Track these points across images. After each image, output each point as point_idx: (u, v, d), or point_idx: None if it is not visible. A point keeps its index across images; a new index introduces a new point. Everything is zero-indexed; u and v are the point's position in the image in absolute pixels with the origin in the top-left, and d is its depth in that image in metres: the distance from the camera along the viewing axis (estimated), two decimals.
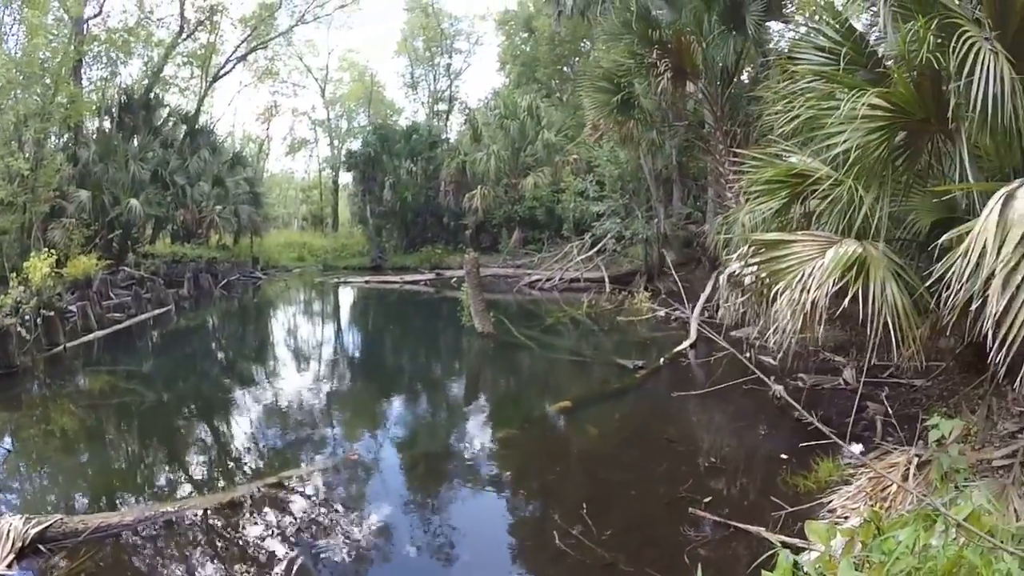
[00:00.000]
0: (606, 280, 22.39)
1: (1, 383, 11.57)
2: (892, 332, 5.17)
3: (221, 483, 7.27)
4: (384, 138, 37.40)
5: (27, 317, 13.44)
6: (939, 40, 5.19)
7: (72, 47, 24.24)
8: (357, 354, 16.87)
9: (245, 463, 8.11)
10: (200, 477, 7.60)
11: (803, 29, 8.65)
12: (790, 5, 14.43)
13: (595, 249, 24.31)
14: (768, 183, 7.19)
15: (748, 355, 10.20)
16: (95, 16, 27.81)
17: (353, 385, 13.27)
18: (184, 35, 32.06)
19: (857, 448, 6.53)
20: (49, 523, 5.45)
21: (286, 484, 6.84)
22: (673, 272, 18.65)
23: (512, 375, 13.16)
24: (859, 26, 7.34)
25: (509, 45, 41.27)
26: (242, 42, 35.06)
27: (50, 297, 14.65)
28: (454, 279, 25.70)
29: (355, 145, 42.83)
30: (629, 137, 16.43)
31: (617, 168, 23.29)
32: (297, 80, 44.71)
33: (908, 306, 5.27)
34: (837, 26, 6.81)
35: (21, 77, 21.25)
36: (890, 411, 7.40)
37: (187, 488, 7.18)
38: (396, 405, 11.28)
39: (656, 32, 14.26)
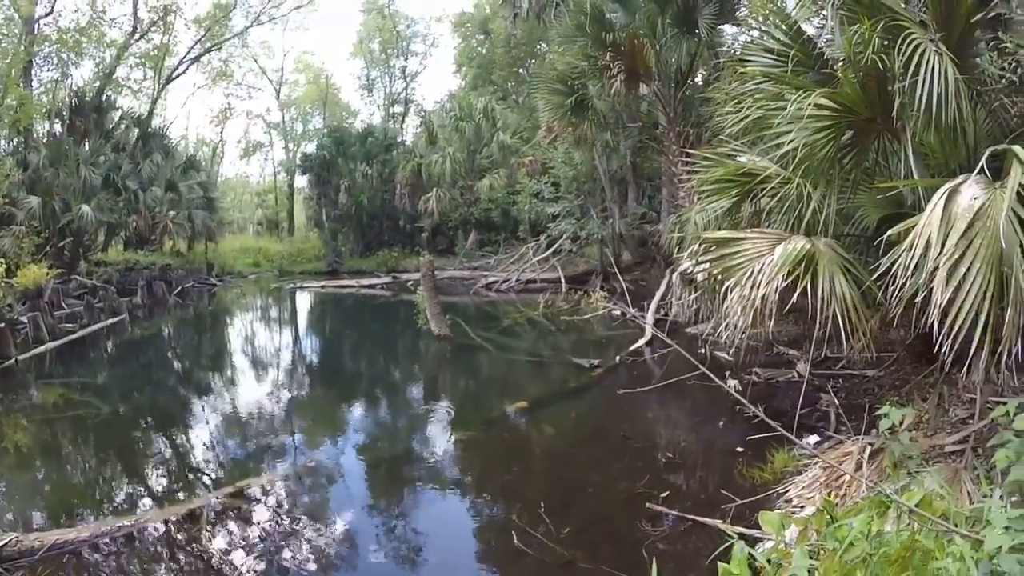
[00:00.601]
0: (562, 280, 22.46)
1: None
2: (842, 325, 5.29)
3: (180, 495, 7.16)
4: (339, 141, 37.18)
5: None
6: (885, 42, 5.34)
7: (22, 47, 23.68)
8: (315, 360, 16.72)
9: (204, 473, 7.99)
10: (159, 489, 7.45)
11: (755, 32, 8.81)
12: (742, 8, 14.67)
13: (551, 250, 24.40)
14: (719, 182, 7.34)
15: (703, 351, 10.38)
16: (46, 15, 27.11)
17: (311, 391, 13.15)
18: (137, 36, 31.35)
19: (812, 439, 6.67)
20: (4, 542, 5.32)
21: (246, 493, 6.76)
22: (628, 271, 18.81)
23: (470, 377, 13.17)
24: (809, 30, 7.52)
25: (465, 47, 41.31)
26: (196, 43, 34.40)
27: (1, 308, 14.25)
28: (410, 282, 25.56)
29: (310, 148, 42.62)
30: (583, 138, 16.60)
31: (572, 169, 23.42)
32: (252, 82, 44.26)
33: (857, 299, 5.41)
34: (786, 29, 6.97)
35: None
36: (842, 402, 7.58)
37: (146, 501, 7.04)
38: (355, 410, 11.25)
39: (610, 35, 14.43)
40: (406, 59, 46.52)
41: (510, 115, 30.81)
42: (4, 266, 15.32)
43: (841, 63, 5.99)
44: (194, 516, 6.21)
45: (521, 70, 35.86)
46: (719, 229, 7.24)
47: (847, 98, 5.50)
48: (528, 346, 15.10)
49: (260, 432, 9.67)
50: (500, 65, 36.34)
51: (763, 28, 7.84)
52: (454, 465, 7.92)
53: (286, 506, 6.67)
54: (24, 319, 16.08)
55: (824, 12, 6.77)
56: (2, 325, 13.87)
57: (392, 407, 11.43)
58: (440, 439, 9.02)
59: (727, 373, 9.10)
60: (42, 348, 15.07)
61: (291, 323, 23.66)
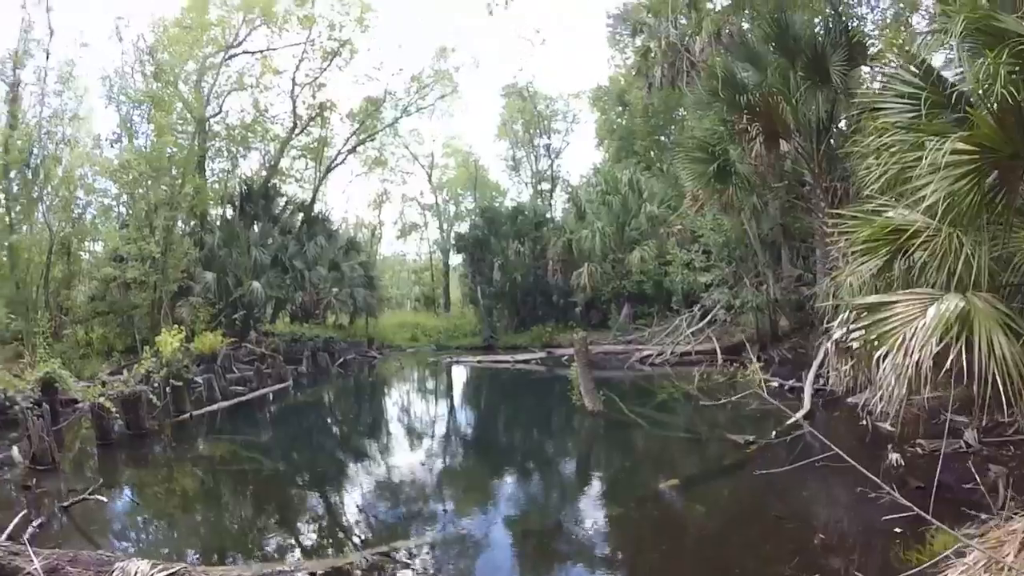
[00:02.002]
0: (718, 352, 21.76)
1: (132, 443, 12.97)
2: (1002, 387, 4.79)
3: (330, 551, 7.43)
4: (491, 220, 38.37)
5: (157, 385, 14.83)
6: (1014, 72, 4.93)
7: (196, 144, 26.49)
8: (468, 431, 16.95)
9: (354, 533, 8.26)
10: (310, 543, 7.83)
11: (886, 74, 8.40)
12: (873, 47, 14.07)
13: (705, 320, 23.82)
14: (867, 242, 6.93)
15: (864, 422, 9.68)
16: (215, 115, 30.25)
17: (464, 461, 13.34)
18: (297, 130, 34.65)
19: (976, 518, 6.00)
20: (174, 569, 5.72)
21: (394, 555, 6.85)
22: (786, 339, 17.96)
23: (622, 453, 12.79)
24: (938, 62, 7.08)
25: (604, 120, 41.82)
26: (352, 135, 37.33)
27: (179, 369, 15.93)
28: (565, 357, 25.50)
29: (463, 228, 44.37)
30: (730, 204, 16.22)
31: (721, 236, 22.92)
32: (405, 168, 46.62)
33: (1020, 357, 4.89)
34: (915, 70, 6.59)
35: (151, 171, 23.32)
36: (1014, 473, 6.81)
37: (297, 552, 7.40)
38: (506, 482, 11.18)
39: (743, 97, 14.19)
40: (549, 137, 47.64)
41: (655, 184, 30.58)
42: (184, 333, 16.71)
43: (973, 100, 5.60)
44: (341, 572, 6.37)
45: (662, 137, 35.77)
46: (871, 291, 6.85)
47: (985, 137, 5.09)
48: (682, 422, 14.63)
49: (411, 497, 9.85)
50: (641, 135, 36.45)
51: (891, 73, 7.44)
52: (603, 542, 7.72)
53: (431, 571, 6.71)
54: (199, 380, 17.76)
55: (951, 44, 6.37)
56: (181, 384, 15.57)
57: (543, 481, 11.28)
58: (590, 515, 8.82)
59: (889, 446, 8.42)
60: (214, 407, 16.55)
61: (446, 395, 24.18)
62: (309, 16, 32.17)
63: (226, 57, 30.30)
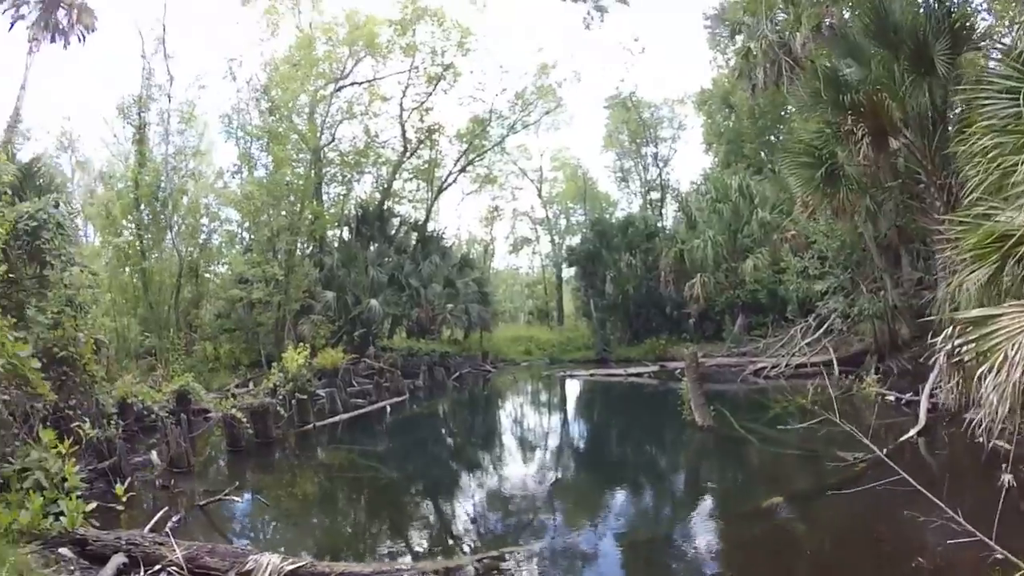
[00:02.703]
0: (834, 363, 20.83)
1: (259, 451, 14.04)
2: None
3: (440, 555, 7.79)
4: (601, 233, 38.42)
5: (283, 398, 15.90)
6: None
7: (312, 172, 28.08)
8: (579, 444, 17.16)
9: (464, 539, 8.68)
10: (421, 546, 8.28)
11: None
12: (978, 29, 13.23)
13: (821, 330, 22.97)
14: (974, 248, 6.67)
15: (982, 439, 9.21)
16: (329, 144, 31.84)
17: (574, 473, 13.62)
18: (408, 154, 35.92)
19: None
20: (301, 564, 6.33)
21: (504, 561, 7.13)
22: (906, 347, 17.15)
23: (728, 469, 12.75)
24: None
25: (711, 124, 40.98)
26: (461, 156, 38.24)
27: (303, 383, 16.91)
28: (678, 370, 25.20)
29: (574, 241, 44.53)
30: (842, 208, 15.69)
31: (836, 241, 22.09)
32: (514, 183, 47.18)
33: None
34: (1015, 63, 6.32)
35: (272, 199, 25.00)
36: None
37: (410, 553, 7.88)
38: (615, 495, 11.26)
39: (846, 96, 13.63)
40: (656, 146, 46.82)
41: (767, 188, 29.59)
42: (307, 350, 17.80)
43: None
44: (452, 575, 6.79)
45: (771, 138, 34.80)
46: (981, 302, 6.59)
47: None
48: (793, 437, 14.24)
49: (521, 507, 10.21)
50: (749, 137, 35.60)
51: (989, 70, 7.14)
52: (708, 557, 7.72)
53: None
54: (322, 393, 18.83)
55: None
56: (305, 397, 16.65)
57: (651, 495, 11.40)
58: (695, 530, 8.82)
59: (1003, 466, 8.00)
60: (335, 418, 17.58)
61: (558, 408, 24.49)
62: (411, 45, 33.40)
63: (335, 89, 31.90)
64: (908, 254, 21.15)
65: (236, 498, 9.73)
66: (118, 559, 6.38)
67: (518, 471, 12.95)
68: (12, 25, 30.60)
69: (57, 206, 12.16)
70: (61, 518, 6.78)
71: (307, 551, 7.57)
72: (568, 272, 45.30)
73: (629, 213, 43.87)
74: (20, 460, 7.54)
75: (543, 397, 27.71)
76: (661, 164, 46.89)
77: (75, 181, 38.85)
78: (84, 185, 38.47)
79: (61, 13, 31.27)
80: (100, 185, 33.94)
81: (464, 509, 10.28)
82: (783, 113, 31.11)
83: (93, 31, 32.40)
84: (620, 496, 11.19)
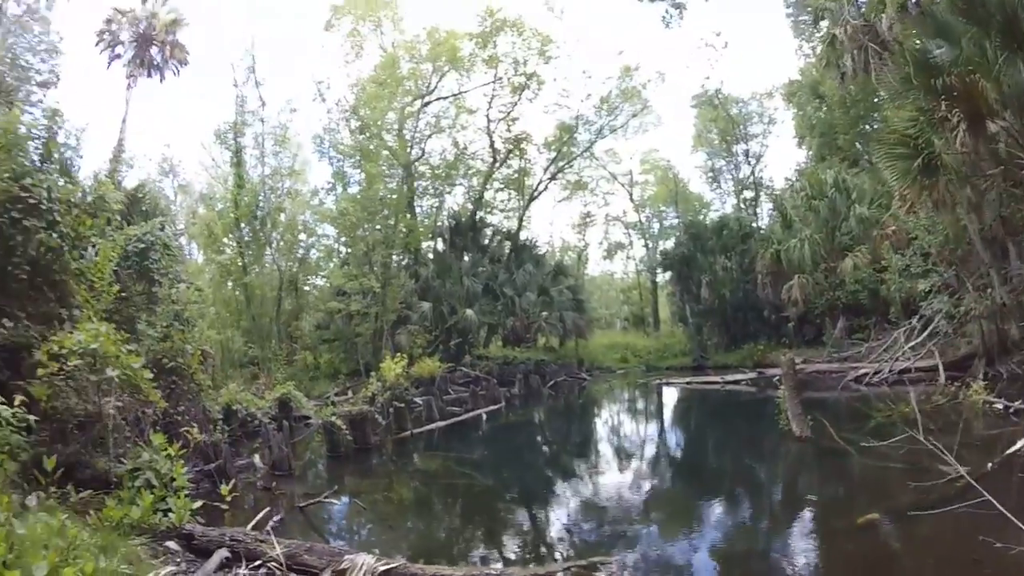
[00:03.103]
0: (940, 368, 19.52)
1: (358, 456, 14.59)
2: None
3: (532, 562, 7.95)
4: (695, 236, 37.82)
5: (381, 406, 16.57)
6: None
7: (405, 186, 29.02)
8: (674, 454, 16.95)
9: (557, 547, 8.74)
10: (514, 553, 8.45)
11: None
12: None
13: (926, 332, 21.65)
14: None
15: None
16: (419, 158, 32.91)
17: (667, 484, 13.45)
18: (497, 164, 36.46)
19: None
20: (395, 565, 6.53)
21: (599, 568, 7.08)
22: (1017, 349, 16.03)
23: (824, 483, 12.18)
24: None
25: (802, 117, 39.20)
26: (550, 163, 38.48)
27: (401, 392, 17.58)
28: (776, 378, 24.44)
29: (668, 245, 43.98)
30: (942, 200, 14.95)
31: (938, 236, 20.84)
32: (605, 188, 46.98)
33: None
34: None
35: (366, 214, 25.96)
36: None
37: (502, 559, 8.07)
38: (708, 507, 11.02)
39: (938, 80, 12.94)
40: (746, 142, 45.37)
41: (864, 181, 28.02)
42: (404, 359, 18.39)
43: None
44: None
45: (866, 127, 32.88)
46: None
47: None
48: (893, 449, 13.59)
49: (615, 517, 10.20)
50: (842, 128, 33.86)
51: None
52: (804, 574, 7.51)
53: None
54: (419, 401, 19.52)
55: None
56: (402, 405, 17.35)
57: (746, 507, 11.12)
58: (790, 545, 8.61)
59: None
60: (432, 426, 18.20)
61: (653, 417, 24.24)
62: (493, 57, 34.01)
63: (422, 105, 33.01)
64: (1016, 246, 19.59)
65: (334, 500, 10.20)
66: (221, 553, 6.78)
67: (612, 480, 12.90)
68: (110, 64, 34.12)
69: (163, 228, 13.11)
70: (169, 514, 7.31)
71: (401, 553, 7.76)
72: (663, 277, 44.68)
73: (723, 214, 42.95)
74: (132, 461, 8.16)
75: (638, 405, 27.44)
76: (753, 161, 45.46)
77: (178, 203, 41.46)
78: (186, 207, 40.97)
79: (154, 50, 34.27)
80: (201, 206, 36.25)
81: (557, 517, 10.31)
82: (876, 100, 29.45)
83: (186, 64, 35.30)
84: (715, 507, 10.95)
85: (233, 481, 10.04)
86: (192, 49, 35.12)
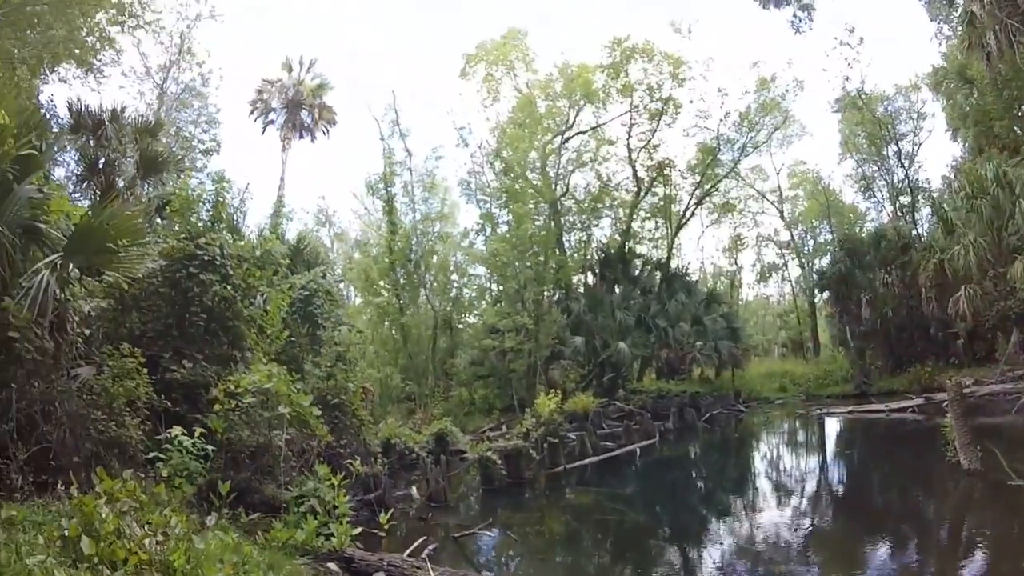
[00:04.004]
0: None
1: (510, 490, 14.91)
2: None
3: None
4: (851, 251, 35.56)
5: (535, 441, 16.74)
6: None
7: (552, 223, 29.57)
8: (831, 491, 16.11)
9: None
10: None
11: None
12: None
13: None
14: None
15: None
16: (564, 194, 33.58)
17: (829, 522, 12.80)
18: (642, 193, 36.39)
19: None
20: None
21: None
22: None
23: (994, 521, 11.04)
24: None
25: (952, 106, 35.73)
26: (695, 187, 37.95)
27: (555, 427, 17.71)
28: (944, 403, 22.51)
29: (823, 262, 41.87)
30: None
31: None
32: (754, 208, 45.65)
33: None
34: None
35: (516, 253, 26.69)
36: None
37: None
38: (872, 547, 10.35)
39: None
40: (897, 143, 41.61)
41: None
42: (558, 395, 18.73)
43: None
44: None
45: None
46: None
47: None
48: None
49: (771, 558, 9.86)
50: (997, 114, 30.37)
51: None
52: None
53: None
54: (572, 436, 19.62)
55: None
56: (556, 440, 17.50)
57: (912, 548, 10.40)
58: None
59: None
60: (585, 461, 18.24)
61: (812, 451, 23.12)
62: (627, 85, 34.09)
63: (563, 141, 33.65)
64: None
65: (488, 532, 10.58)
66: None
67: (769, 518, 12.47)
68: (264, 129, 37.91)
69: (324, 276, 14.19)
70: (331, 539, 7.90)
71: None
72: (821, 297, 42.25)
73: (879, 224, 40.24)
74: (297, 488, 8.88)
75: (798, 438, 26.15)
76: (906, 163, 41.68)
77: (334, 250, 44.22)
78: (343, 253, 43.93)
79: (304, 114, 37.47)
80: (357, 252, 38.78)
81: (710, 556, 10.12)
82: None
83: (334, 124, 38.43)
84: (877, 548, 10.31)
85: (391, 511, 10.51)
86: (340, 110, 38.21)
